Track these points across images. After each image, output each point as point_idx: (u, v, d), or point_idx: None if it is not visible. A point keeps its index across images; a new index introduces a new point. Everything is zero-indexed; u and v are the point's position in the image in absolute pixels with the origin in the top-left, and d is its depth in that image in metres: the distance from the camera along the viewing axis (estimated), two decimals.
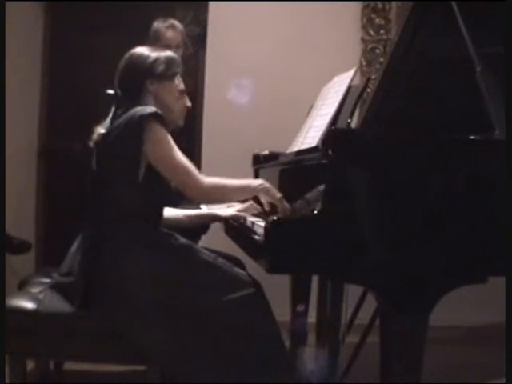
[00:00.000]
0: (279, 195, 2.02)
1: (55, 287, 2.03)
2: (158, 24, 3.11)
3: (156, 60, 2.09)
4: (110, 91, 2.13)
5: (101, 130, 2.04)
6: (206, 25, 3.83)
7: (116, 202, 1.98)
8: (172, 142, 1.98)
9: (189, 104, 2.21)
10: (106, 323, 1.92)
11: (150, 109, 1.96)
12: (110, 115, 2.07)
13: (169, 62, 2.12)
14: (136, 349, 1.92)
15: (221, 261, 2.02)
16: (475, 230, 1.65)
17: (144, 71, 2.08)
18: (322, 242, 1.56)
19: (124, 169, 1.96)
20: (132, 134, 1.93)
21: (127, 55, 2.13)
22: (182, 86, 2.16)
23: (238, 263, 2.23)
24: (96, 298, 1.91)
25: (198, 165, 3.78)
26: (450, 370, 2.82)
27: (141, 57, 2.10)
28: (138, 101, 2.04)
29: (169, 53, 2.17)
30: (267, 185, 2.06)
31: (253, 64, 3.75)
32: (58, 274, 2.08)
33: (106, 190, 2.01)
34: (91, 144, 2.07)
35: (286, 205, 2.00)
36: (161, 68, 2.09)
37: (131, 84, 2.08)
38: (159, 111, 1.97)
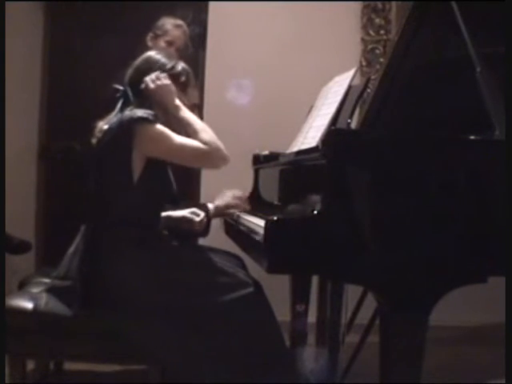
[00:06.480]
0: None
1: (51, 291, 2.01)
2: (167, 19, 3.14)
3: (173, 68, 2.09)
4: (119, 86, 2.10)
5: (104, 126, 2.00)
6: (206, 25, 3.83)
7: (112, 204, 1.97)
8: (167, 132, 1.96)
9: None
10: (106, 324, 1.92)
11: (142, 112, 1.93)
12: (115, 111, 2.04)
13: (184, 73, 2.13)
14: (136, 349, 1.92)
15: (220, 261, 2.02)
16: (475, 229, 1.65)
17: None
18: (321, 242, 1.56)
19: (117, 172, 1.95)
20: (122, 138, 1.91)
21: (145, 56, 2.12)
22: (186, 101, 2.14)
23: (238, 260, 2.21)
24: (94, 301, 1.90)
25: None
26: (450, 370, 2.82)
27: (158, 62, 2.09)
28: (144, 101, 2.03)
29: (184, 64, 2.16)
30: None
31: (253, 64, 3.75)
32: (54, 277, 2.06)
33: (102, 192, 2.00)
34: (93, 141, 2.04)
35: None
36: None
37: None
38: (151, 113, 1.94)
